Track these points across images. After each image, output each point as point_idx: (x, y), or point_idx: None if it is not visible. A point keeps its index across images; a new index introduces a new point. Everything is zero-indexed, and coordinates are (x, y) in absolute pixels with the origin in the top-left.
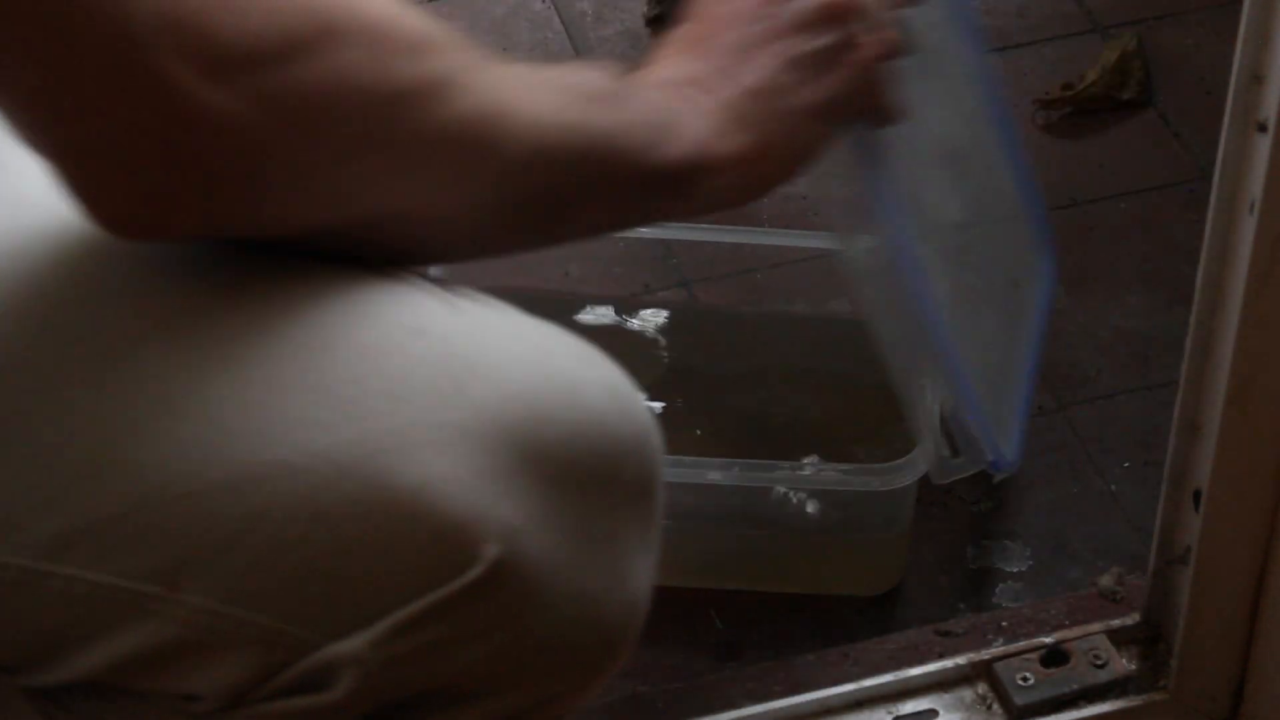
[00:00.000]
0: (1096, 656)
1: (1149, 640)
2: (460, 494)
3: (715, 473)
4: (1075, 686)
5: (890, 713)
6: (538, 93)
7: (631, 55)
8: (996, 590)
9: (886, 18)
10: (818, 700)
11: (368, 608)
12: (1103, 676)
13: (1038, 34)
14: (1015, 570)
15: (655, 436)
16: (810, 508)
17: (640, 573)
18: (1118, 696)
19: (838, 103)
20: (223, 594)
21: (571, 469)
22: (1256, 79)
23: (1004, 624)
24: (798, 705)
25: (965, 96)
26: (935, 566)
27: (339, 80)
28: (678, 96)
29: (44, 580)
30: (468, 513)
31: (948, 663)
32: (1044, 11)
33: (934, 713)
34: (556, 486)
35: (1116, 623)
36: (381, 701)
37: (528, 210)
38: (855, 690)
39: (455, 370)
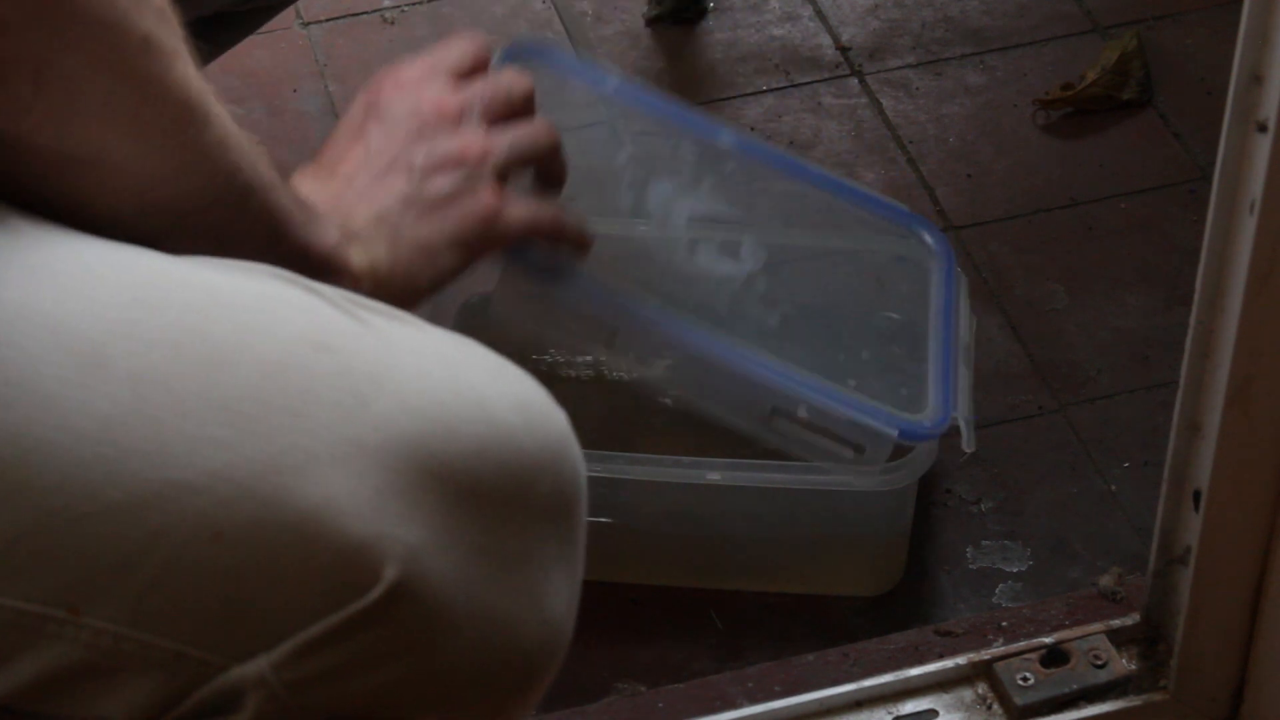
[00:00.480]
0: (1096, 656)
1: (1149, 640)
2: (360, 513)
3: (715, 473)
4: (1075, 686)
5: (890, 713)
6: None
7: (631, 55)
8: (996, 590)
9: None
10: (818, 700)
11: (269, 630)
12: (1103, 676)
13: (1038, 34)
14: (1015, 570)
15: (572, 451)
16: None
17: (559, 593)
18: (1118, 697)
19: (456, 240)
20: (125, 617)
21: (478, 486)
22: (1256, 79)
23: (1004, 624)
24: (798, 705)
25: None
26: (935, 566)
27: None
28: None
29: None
30: (366, 533)
31: (948, 663)
32: (1044, 11)
33: (934, 713)
34: (463, 504)
35: (1116, 623)
36: None
37: (205, 213)
38: (855, 690)
39: (358, 385)
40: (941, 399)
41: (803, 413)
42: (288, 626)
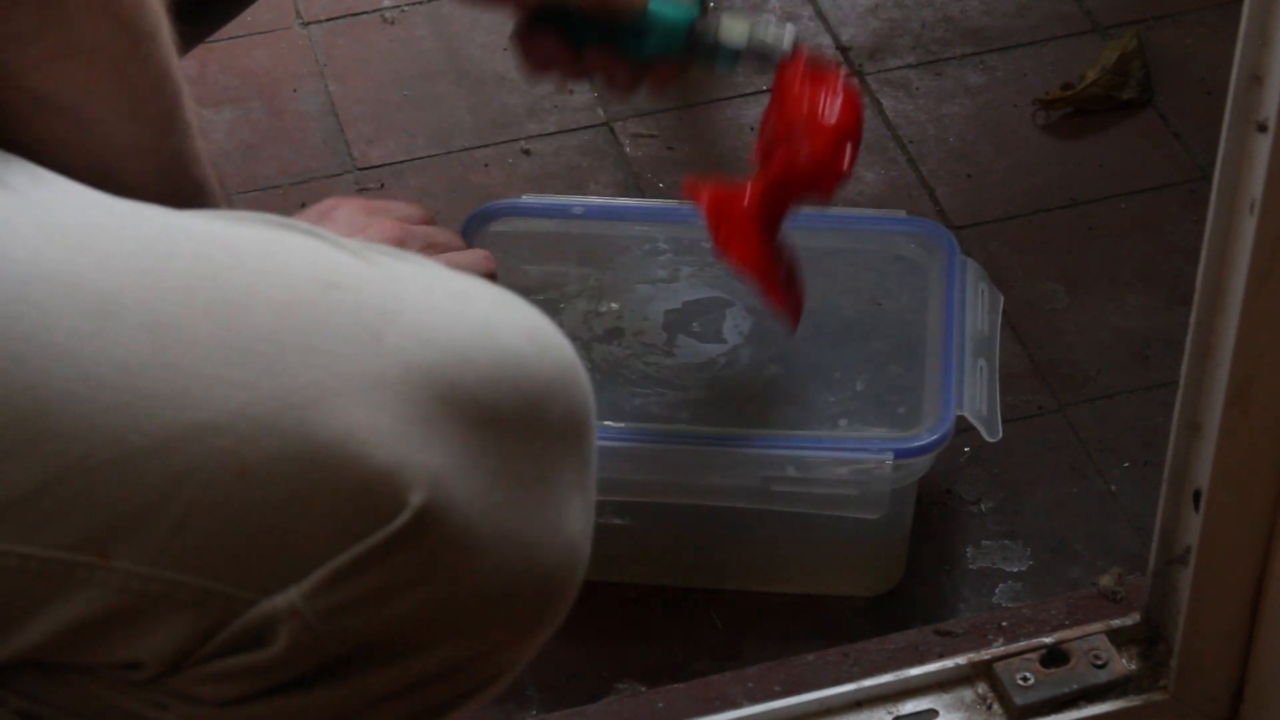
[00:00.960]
0: (1096, 656)
1: (1149, 640)
2: (382, 442)
3: (739, 468)
4: (1075, 686)
5: (890, 713)
6: None
7: None
8: (996, 590)
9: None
10: (818, 700)
11: (298, 561)
12: (1103, 676)
13: (1038, 34)
14: (1015, 570)
15: (580, 376)
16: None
17: (576, 514)
18: (1118, 697)
19: None
20: (154, 558)
21: (494, 411)
22: (1256, 79)
23: (1004, 624)
24: (798, 705)
25: None
26: (935, 566)
27: None
28: None
29: None
30: (390, 461)
31: (948, 663)
32: (1044, 11)
33: (934, 713)
34: (480, 429)
35: (1116, 623)
36: (323, 656)
37: (156, 197)
38: (855, 690)
39: (370, 320)
40: (941, 404)
41: (792, 471)
42: (317, 556)
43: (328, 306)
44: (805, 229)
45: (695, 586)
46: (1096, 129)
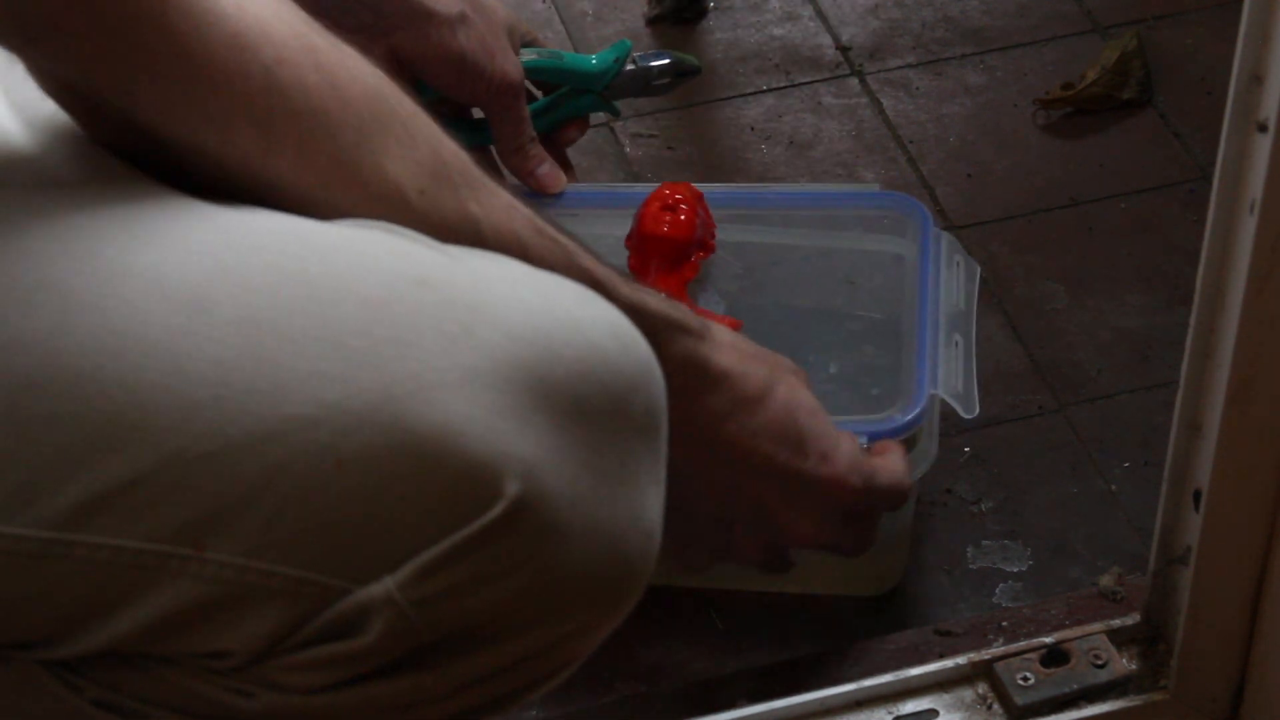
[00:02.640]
0: (1097, 656)
1: (1149, 640)
2: (478, 434)
3: None
4: (1075, 686)
5: (890, 713)
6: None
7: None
8: (996, 590)
9: None
10: (818, 700)
11: (394, 551)
12: (1103, 676)
13: (1038, 34)
14: (1015, 570)
15: (658, 373)
16: None
17: (653, 503)
18: (1118, 696)
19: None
20: (248, 549)
21: (582, 404)
22: (1256, 79)
23: (1004, 624)
24: (798, 705)
25: None
26: (935, 566)
27: None
28: None
29: (67, 550)
30: (487, 452)
31: (948, 663)
32: (1044, 11)
33: (934, 713)
34: (569, 422)
35: (1117, 623)
36: (414, 644)
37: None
38: (855, 690)
39: (460, 315)
40: (915, 384)
41: None
42: (412, 546)
43: (418, 302)
44: (778, 207)
45: (695, 586)
46: (1096, 129)
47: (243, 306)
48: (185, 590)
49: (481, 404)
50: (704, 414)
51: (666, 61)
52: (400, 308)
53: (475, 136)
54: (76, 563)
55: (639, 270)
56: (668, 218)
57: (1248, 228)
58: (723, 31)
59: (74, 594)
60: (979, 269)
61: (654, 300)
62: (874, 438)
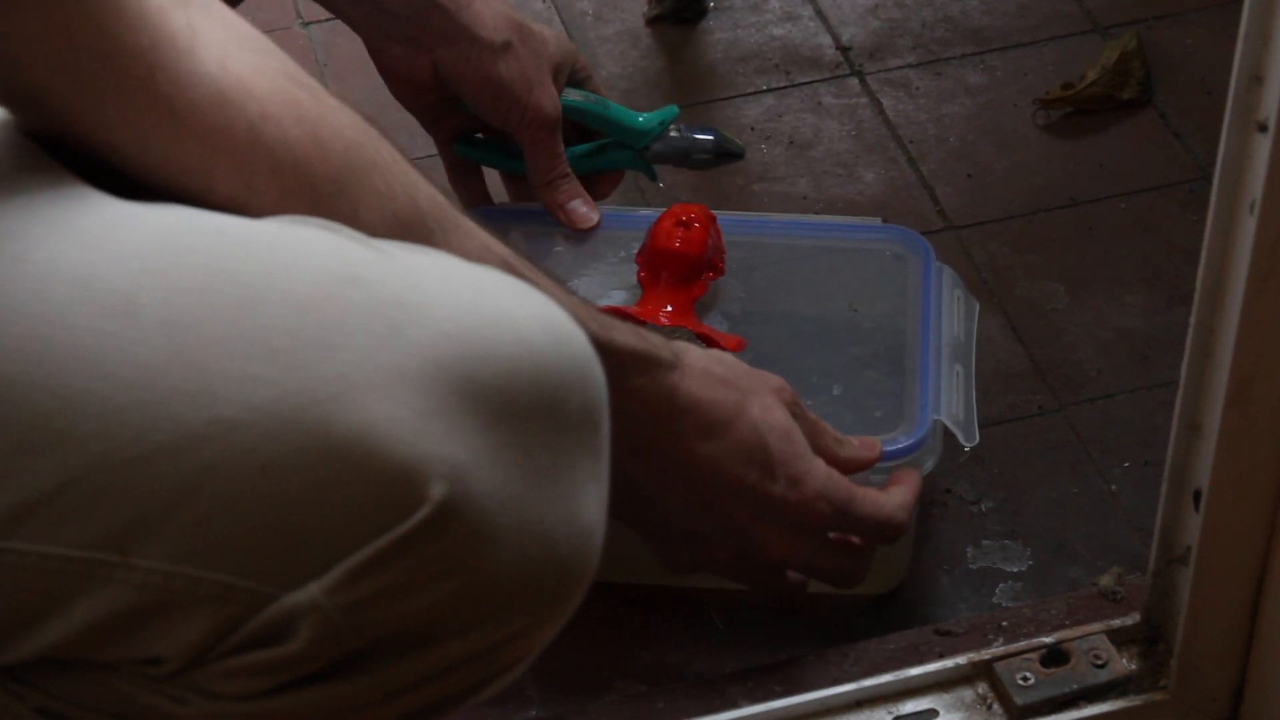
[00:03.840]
0: (1097, 656)
1: (1149, 640)
2: (403, 436)
3: None
4: (1075, 686)
5: (890, 713)
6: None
7: (631, 55)
8: (996, 590)
9: None
10: (818, 700)
11: (320, 556)
12: (1103, 676)
13: (1038, 34)
14: (1015, 570)
15: (596, 368)
16: None
17: (591, 504)
18: (1118, 696)
19: None
20: (175, 554)
21: (513, 403)
22: (1256, 79)
23: (1004, 624)
24: (798, 705)
25: None
26: (935, 566)
27: None
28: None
29: None
30: (411, 454)
31: (948, 663)
32: (1044, 11)
33: (934, 713)
34: (500, 422)
35: (1117, 623)
36: (343, 650)
37: None
38: (855, 690)
39: (390, 314)
40: (918, 409)
41: None
42: (338, 551)
43: (346, 301)
44: (783, 235)
45: (695, 586)
46: (1096, 129)
47: (171, 309)
48: (114, 597)
49: (407, 405)
50: (674, 440)
51: (710, 139)
52: (329, 307)
53: (514, 162)
54: (4, 570)
55: (648, 285)
56: (680, 234)
57: (1248, 228)
58: (723, 31)
59: (3, 602)
60: (978, 306)
61: (623, 336)
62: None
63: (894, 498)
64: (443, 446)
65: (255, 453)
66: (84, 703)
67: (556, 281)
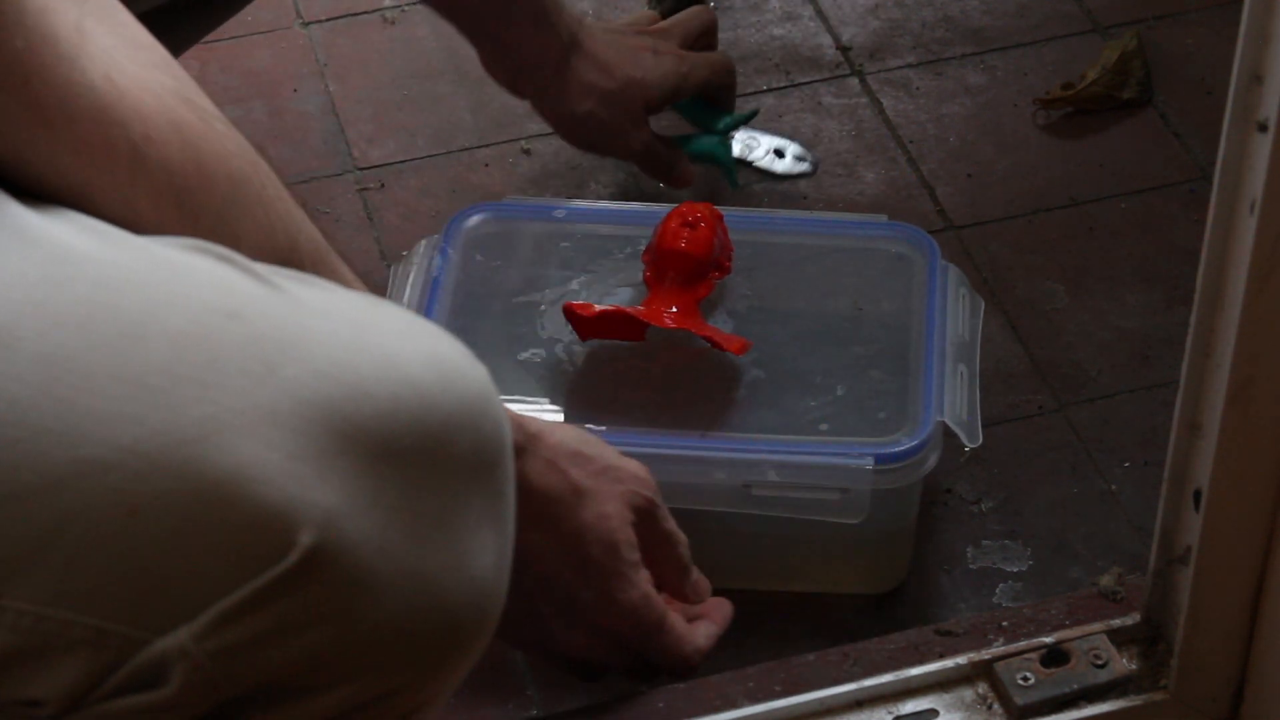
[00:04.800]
0: (1097, 656)
1: (1149, 640)
2: (272, 479)
3: (720, 472)
4: (1075, 686)
5: (890, 713)
6: None
7: None
8: (997, 590)
9: None
10: (818, 700)
11: (189, 601)
12: (1103, 676)
13: (1038, 34)
14: (1015, 570)
15: (492, 407)
16: None
17: (486, 551)
18: (1118, 696)
19: None
20: (45, 596)
21: (393, 446)
22: (1256, 79)
23: (1004, 624)
24: (798, 705)
25: None
26: (935, 566)
27: None
28: None
29: None
30: (279, 498)
31: (948, 663)
32: (1044, 11)
33: (934, 713)
34: (377, 465)
35: (1117, 623)
36: (219, 697)
37: None
38: (855, 690)
39: (267, 352)
40: (923, 409)
41: (773, 476)
42: (207, 596)
43: (225, 338)
44: (788, 232)
45: None
46: (1096, 129)
47: (48, 343)
48: None
49: (278, 447)
50: None
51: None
52: (207, 344)
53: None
54: None
55: (654, 284)
56: (686, 234)
57: (1248, 228)
58: (723, 31)
59: None
60: (983, 304)
61: None
62: (881, 460)
63: (698, 636)
64: (314, 490)
65: (123, 495)
66: None
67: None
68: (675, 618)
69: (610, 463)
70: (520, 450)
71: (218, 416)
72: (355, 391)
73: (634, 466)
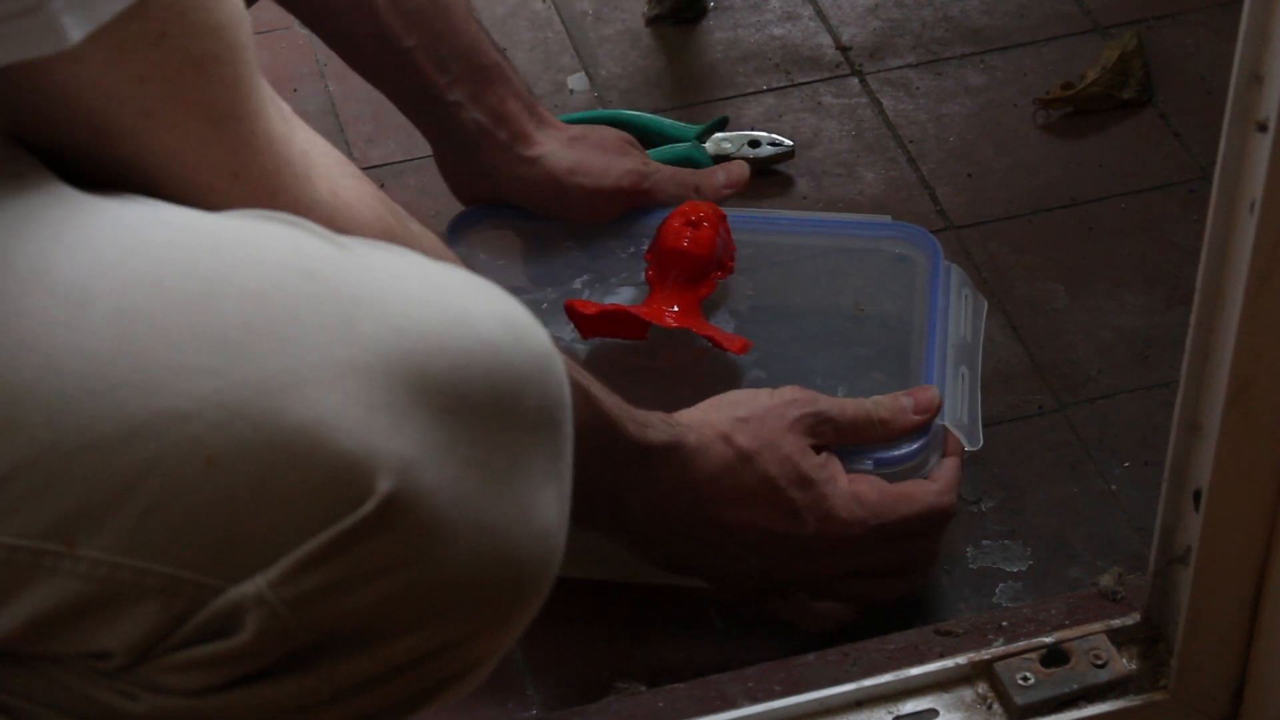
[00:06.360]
0: (1097, 656)
1: (1149, 640)
2: (351, 429)
3: None
4: (1075, 686)
5: (890, 713)
6: None
7: (631, 55)
8: (996, 590)
9: None
10: (818, 700)
11: (266, 549)
12: (1103, 676)
13: (1038, 34)
14: (1015, 570)
15: (556, 367)
16: None
17: (550, 505)
18: (1118, 696)
19: None
20: (121, 545)
21: (466, 399)
22: (1256, 79)
23: (1004, 624)
24: (798, 705)
25: None
26: (935, 566)
27: None
28: None
29: None
30: (359, 448)
31: (948, 663)
32: (1044, 11)
33: (934, 713)
34: (452, 418)
35: (1117, 623)
36: (291, 645)
37: None
38: (855, 690)
39: (344, 308)
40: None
41: None
42: (284, 544)
43: (302, 294)
44: (790, 232)
45: (695, 586)
46: (1096, 129)
47: (123, 300)
48: (59, 588)
49: (356, 399)
50: (703, 514)
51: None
52: (283, 300)
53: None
54: None
55: (656, 283)
56: (689, 233)
57: (1248, 228)
58: (723, 31)
59: None
60: (985, 304)
61: (656, 434)
62: (880, 464)
63: (931, 486)
64: (391, 440)
65: (201, 444)
66: (34, 697)
67: (601, 383)
68: (898, 487)
69: (759, 408)
70: (677, 445)
71: (296, 369)
72: (431, 346)
73: (783, 395)
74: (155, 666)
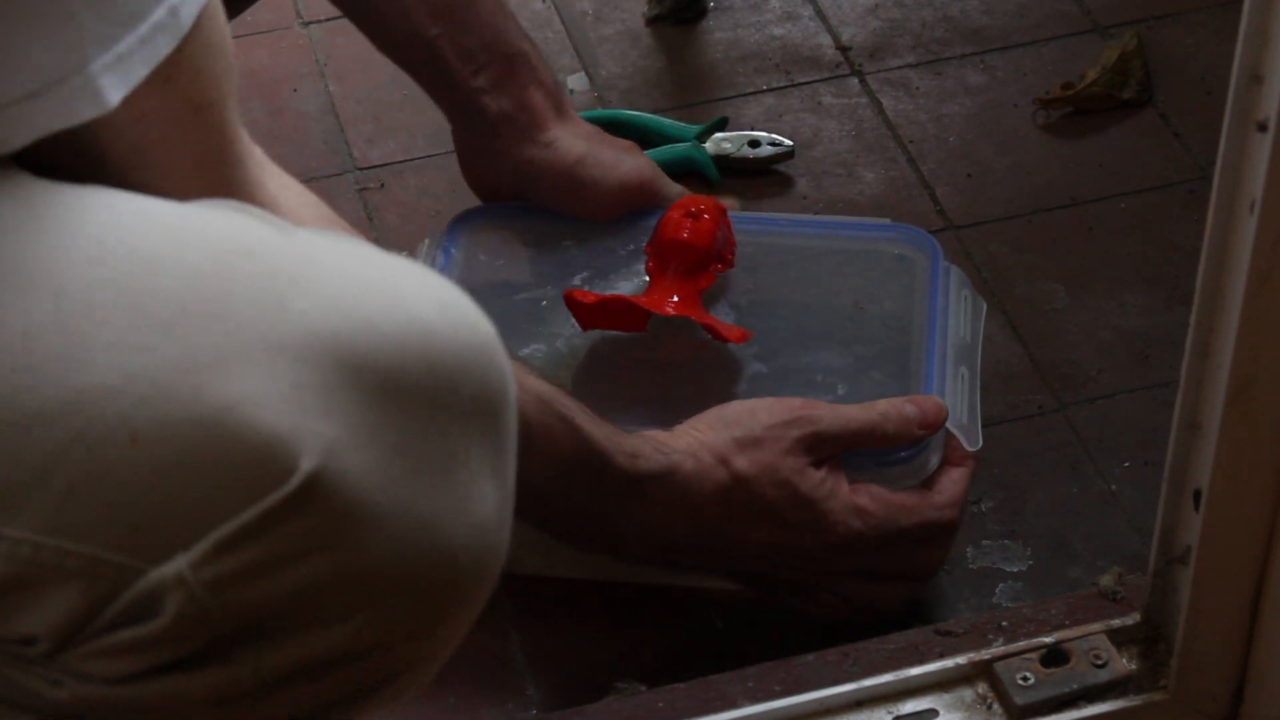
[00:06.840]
0: (1097, 656)
1: (1149, 640)
2: (275, 408)
3: None
4: (1075, 686)
5: (890, 713)
6: None
7: (631, 55)
8: (996, 590)
9: None
10: (818, 700)
11: (186, 529)
12: (1103, 676)
13: (1038, 34)
14: (1015, 570)
15: (497, 356)
16: None
17: (488, 498)
18: (1118, 696)
19: None
20: (43, 525)
21: (398, 382)
22: (1256, 79)
23: (1004, 624)
24: (798, 705)
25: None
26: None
27: None
28: None
29: None
30: (282, 426)
31: (948, 663)
32: (1044, 11)
33: (934, 713)
34: (382, 400)
35: (1117, 623)
36: (214, 631)
37: None
38: (855, 690)
39: (280, 286)
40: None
41: None
42: (205, 524)
43: (237, 273)
44: (791, 232)
45: (695, 586)
46: (1096, 129)
47: (59, 278)
48: None
49: (284, 376)
50: (710, 527)
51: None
52: (220, 279)
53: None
54: None
55: (656, 275)
56: (689, 225)
57: (1248, 228)
58: (723, 31)
59: None
60: (985, 306)
61: (649, 463)
62: (878, 464)
63: (935, 499)
64: (318, 420)
65: (125, 420)
66: None
67: (589, 414)
68: (900, 497)
69: (758, 427)
70: (671, 472)
71: (225, 346)
72: (364, 326)
73: (783, 413)
74: (79, 652)
